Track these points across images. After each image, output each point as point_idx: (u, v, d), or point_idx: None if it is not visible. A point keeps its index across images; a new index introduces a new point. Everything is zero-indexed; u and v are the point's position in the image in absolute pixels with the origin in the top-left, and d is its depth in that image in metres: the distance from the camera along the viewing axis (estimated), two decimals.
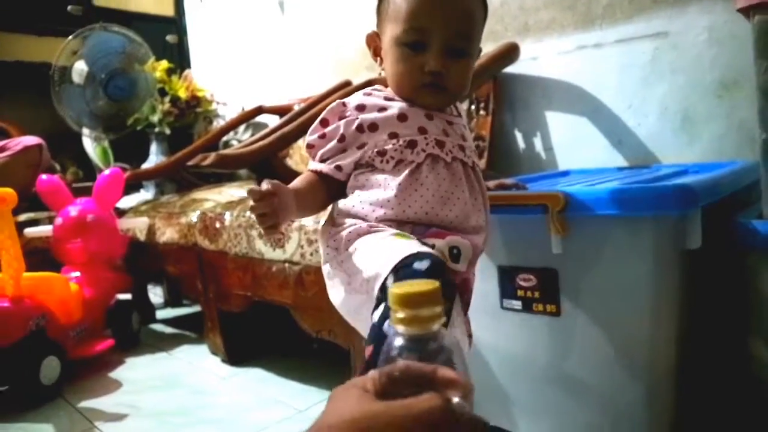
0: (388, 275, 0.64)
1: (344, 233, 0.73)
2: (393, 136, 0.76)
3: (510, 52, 1.53)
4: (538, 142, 1.62)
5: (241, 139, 2.51)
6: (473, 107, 1.63)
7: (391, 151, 0.75)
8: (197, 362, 1.65)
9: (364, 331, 0.73)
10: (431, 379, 0.37)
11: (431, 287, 0.39)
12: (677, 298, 0.86)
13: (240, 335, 1.65)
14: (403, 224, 0.74)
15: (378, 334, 0.61)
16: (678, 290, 0.86)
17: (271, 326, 1.65)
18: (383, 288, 0.64)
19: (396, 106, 0.77)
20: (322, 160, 0.78)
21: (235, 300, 1.54)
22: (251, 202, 0.66)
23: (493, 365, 1.05)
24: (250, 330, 1.66)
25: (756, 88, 0.82)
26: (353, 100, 0.79)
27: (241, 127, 2.51)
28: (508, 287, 0.99)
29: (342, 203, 0.78)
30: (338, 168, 0.77)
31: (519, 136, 1.65)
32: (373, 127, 0.76)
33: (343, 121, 0.77)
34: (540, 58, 1.57)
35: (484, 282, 1.02)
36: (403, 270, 0.63)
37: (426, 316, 0.39)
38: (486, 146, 1.59)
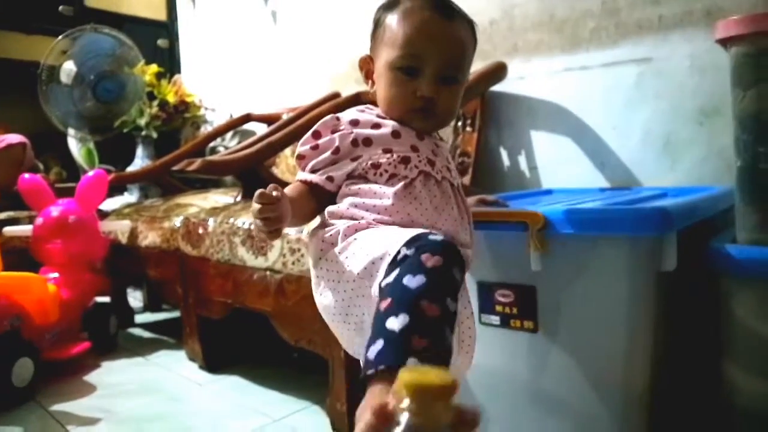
0: (401, 247, 0.64)
1: (342, 227, 0.74)
2: (387, 150, 0.78)
3: (498, 71, 1.55)
4: (522, 161, 1.64)
5: (228, 146, 2.51)
6: (460, 123, 1.66)
7: (385, 165, 0.77)
8: (174, 368, 1.64)
9: (352, 333, 0.75)
10: None
11: (449, 381, 0.35)
12: (652, 318, 0.87)
13: (219, 342, 1.64)
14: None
15: (396, 287, 0.61)
16: (653, 311, 0.87)
17: (251, 334, 1.64)
18: (397, 254, 0.64)
19: (389, 125, 0.80)
20: (313, 171, 0.79)
21: (215, 306, 1.53)
22: (257, 205, 0.66)
23: (471, 379, 1.05)
24: (229, 337, 1.66)
25: (732, 117, 0.84)
26: (347, 116, 0.81)
27: (229, 134, 2.51)
28: (486, 302, 1.00)
29: (334, 207, 0.78)
30: (330, 179, 0.78)
31: (504, 154, 1.68)
32: (368, 141, 0.78)
33: (337, 134, 0.79)
34: (527, 78, 1.60)
35: None
36: (417, 241, 0.64)
37: (437, 412, 0.36)
38: (471, 162, 1.61)
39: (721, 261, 0.81)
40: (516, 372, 0.99)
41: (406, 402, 0.36)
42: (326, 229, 0.77)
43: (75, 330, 1.68)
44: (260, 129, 2.37)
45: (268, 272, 1.31)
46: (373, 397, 0.53)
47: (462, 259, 0.67)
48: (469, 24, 0.82)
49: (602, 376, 0.88)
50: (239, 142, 2.43)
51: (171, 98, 2.46)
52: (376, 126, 0.80)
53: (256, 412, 1.32)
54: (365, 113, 0.82)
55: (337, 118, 0.81)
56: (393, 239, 0.67)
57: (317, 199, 0.79)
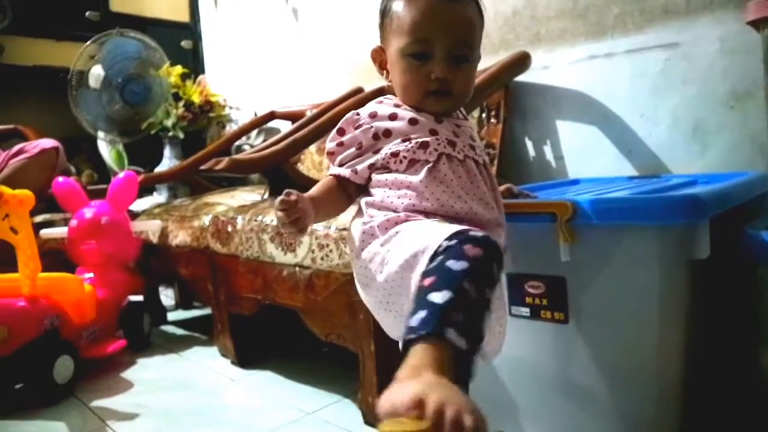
0: (443, 241, 0.66)
1: (380, 219, 0.77)
2: (406, 139, 0.80)
3: (521, 61, 1.54)
4: (548, 151, 1.63)
5: (253, 144, 2.54)
6: (484, 115, 1.65)
7: (403, 152, 0.79)
8: (207, 364, 1.67)
9: (393, 320, 0.78)
10: None
11: (424, 428, 0.38)
12: (684, 307, 0.86)
13: (250, 338, 1.67)
14: (433, 217, 0.76)
15: (441, 269, 0.63)
16: (685, 299, 0.86)
17: (281, 329, 1.66)
18: (438, 246, 0.66)
19: (406, 114, 0.82)
20: (341, 165, 0.83)
21: (246, 303, 1.55)
22: (279, 213, 0.72)
23: (502, 371, 1.05)
24: (260, 333, 1.68)
25: (765, 101, 0.82)
26: (366, 110, 0.84)
27: (254, 132, 2.53)
28: (516, 294, 1.00)
29: (370, 198, 0.81)
30: (354, 171, 0.82)
31: (529, 145, 1.66)
32: (387, 133, 0.81)
33: (359, 130, 0.82)
34: (551, 67, 1.58)
35: None
36: (459, 236, 0.66)
37: None
38: (496, 154, 1.60)
39: (756, 248, 0.79)
40: (546, 363, 0.99)
41: None
42: (365, 220, 0.80)
43: (111, 328, 1.72)
44: (285, 126, 2.38)
45: (297, 268, 1.33)
46: (414, 358, 0.56)
47: (501, 256, 0.68)
48: (475, 2, 0.82)
49: (634, 367, 0.87)
50: (264, 140, 2.45)
51: (196, 98, 2.50)
52: (394, 116, 0.82)
53: (289, 406, 1.34)
54: (383, 104, 0.84)
55: (358, 114, 0.84)
56: (435, 234, 0.69)
57: (347, 191, 0.83)
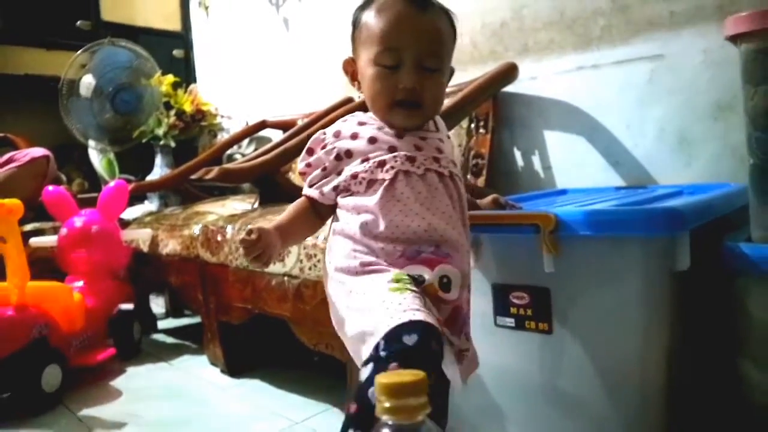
0: (381, 340, 0.66)
1: (338, 262, 0.78)
2: (365, 159, 0.80)
3: (509, 72, 1.56)
4: (536, 161, 1.64)
5: (245, 153, 2.54)
6: (473, 125, 1.66)
7: (362, 173, 0.79)
8: (197, 372, 1.67)
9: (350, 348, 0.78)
10: None
11: (416, 378, 0.40)
12: (667, 318, 0.87)
13: (240, 346, 1.67)
14: (394, 242, 0.76)
15: (363, 397, 0.63)
16: (667, 310, 0.87)
17: (271, 338, 1.66)
18: (376, 347, 0.66)
19: (367, 132, 0.82)
20: (311, 186, 0.84)
21: (235, 312, 1.56)
22: (242, 249, 0.76)
23: (488, 380, 1.06)
24: (250, 341, 1.68)
25: (744, 114, 0.84)
26: (331, 129, 0.85)
27: (245, 141, 2.54)
28: (501, 305, 1.01)
29: (335, 224, 0.83)
30: (321, 193, 0.83)
31: (518, 155, 1.68)
32: (349, 153, 0.81)
33: (323, 151, 0.83)
34: (539, 78, 1.60)
35: (479, 299, 1.04)
36: (391, 344, 0.65)
37: (411, 407, 0.39)
38: (485, 164, 1.61)
39: (735, 260, 0.80)
40: (531, 373, 0.99)
41: (385, 403, 0.40)
42: (328, 257, 0.82)
43: (100, 337, 1.72)
44: (276, 135, 2.39)
45: (285, 278, 1.33)
46: None
47: (434, 355, 0.67)
48: (446, 14, 0.83)
49: (617, 376, 0.89)
50: (256, 149, 2.46)
51: (188, 107, 2.50)
52: (355, 136, 0.82)
53: (278, 415, 1.34)
54: (347, 123, 0.85)
55: (324, 133, 0.84)
56: (378, 320, 0.68)
57: (318, 212, 0.84)
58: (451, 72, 0.86)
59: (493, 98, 1.62)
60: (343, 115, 0.92)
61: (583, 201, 1.16)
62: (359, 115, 0.86)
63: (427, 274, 0.75)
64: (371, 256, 0.77)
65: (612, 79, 1.46)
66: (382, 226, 0.76)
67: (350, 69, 0.87)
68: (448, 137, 0.90)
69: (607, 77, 1.47)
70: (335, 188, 0.82)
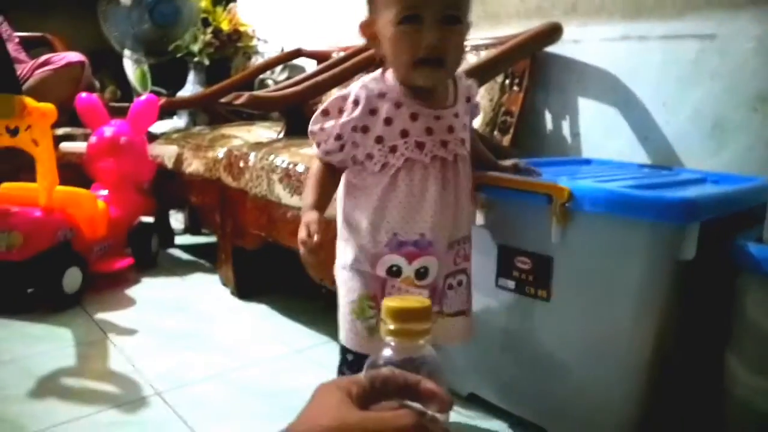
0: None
1: (346, 257, 0.88)
2: (379, 140, 0.82)
3: (552, 32, 1.51)
4: (566, 126, 1.62)
5: (277, 80, 2.53)
6: (507, 81, 1.63)
7: (377, 156, 0.82)
8: (208, 291, 1.74)
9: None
10: (414, 389, 0.39)
11: (421, 305, 0.42)
12: (662, 303, 0.88)
13: (251, 271, 1.72)
14: (381, 231, 0.83)
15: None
16: (665, 296, 0.88)
17: (283, 266, 1.71)
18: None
19: (384, 109, 0.82)
20: (326, 153, 0.85)
21: (250, 238, 1.60)
22: (302, 249, 0.79)
23: (484, 338, 1.09)
24: (262, 267, 1.74)
25: None
26: (352, 94, 0.83)
27: (278, 68, 2.52)
28: (505, 267, 1.03)
29: (345, 204, 0.88)
30: (342, 162, 0.86)
31: (548, 117, 1.65)
32: (365, 129, 0.82)
33: (340, 121, 0.83)
34: (582, 42, 1.55)
35: (484, 257, 1.06)
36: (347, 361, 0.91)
37: (414, 331, 0.41)
38: (513, 122, 1.59)
39: (741, 257, 0.81)
40: (525, 336, 1.03)
41: (390, 325, 0.42)
42: (340, 205, 0.89)
43: (120, 246, 1.79)
44: (310, 65, 2.37)
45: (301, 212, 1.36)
46: None
47: None
48: None
49: (607, 350, 0.91)
50: (288, 77, 2.45)
51: (225, 26, 2.48)
52: (374, 111, 0.82)
53: (279, 341, 1.41)
54: (369, 88, 0.83)
55: (343, 98, 0.83)
56: (343, 326, 0.89)
57: (336, 173, 0.87)
58: (468, 26, 0.84)
59: (532, 57, 1.58)
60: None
61: (604, 175, 1.15)
62: (380, 83, 0.84)
63: (405, 266, 0.83)
64: (357, 247, 0.85)
65: (656, 54, 1.40)
66: (375, 216, 0.83)
67: (368, 31, 0.84)
68: (469, 98, 0.90)
69: (651, 51, 1.41)
70: (353, 160, 0.84)
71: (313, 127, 0.85)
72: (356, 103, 0.82)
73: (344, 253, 0.88)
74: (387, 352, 0.42)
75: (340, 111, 0.83)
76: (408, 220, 0.83)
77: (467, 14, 0.82)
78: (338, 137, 0.83)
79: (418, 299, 0.43)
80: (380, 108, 0.82)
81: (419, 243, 0.83)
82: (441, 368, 0.42)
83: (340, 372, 0.95)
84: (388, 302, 0.42)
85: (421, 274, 0.84)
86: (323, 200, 0.85)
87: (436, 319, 0.87)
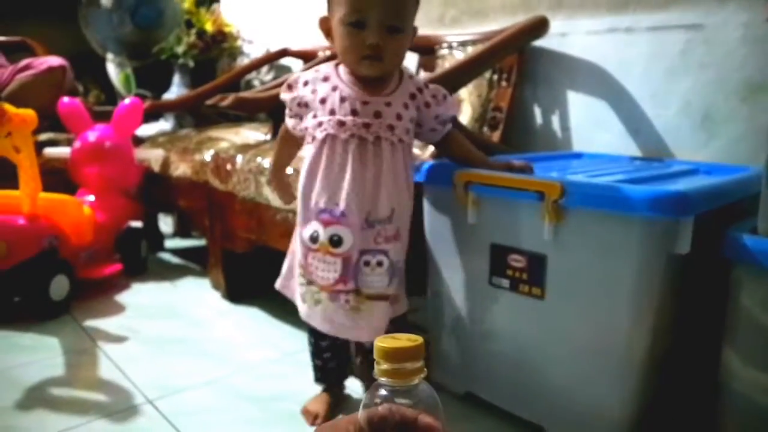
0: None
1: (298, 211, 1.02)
2: (314, 116, 0.96)
3: (539, 27, 1.50)
4: (555, 120, 1.61)
5: (263, 80, 2.51)
6: (495, 77, 1.62)
7: (310, 129, 0.97)
8: (198, 295, 1.72)
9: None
10: (413, 426, 0.39)
11: (414, 344, 0.41)
12: (658, 297, 0.88)
13: (241, 274, 1.71)
14: (310, 198, 0.97)
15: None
16: (660, 290, 0.88)
17: (273, 269, 1.69)
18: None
19: (323, 90, 0.95)
20: (289, 117, 1.02)
21: (239, 241, 1.58)
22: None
23: (476, 336, 1.09)
24: (252, 270, 1.72)
25: None
26: (303, 76, 0.99)
27: (264, 68, 2.50)
28: (498, 265, 1.02)
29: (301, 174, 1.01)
30: (293, 128, 1.02)
31: (537, 112, 1.64)
32: (306, 105, 0.97)
33: (291, 95, 0.99)
34: (569, 36, 1.54)
35: (476, 256, 1.05)
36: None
37: (407, 370, 0.41)
38: (503, 118, 1.58)
39: (735, 249, 0.80)
40: (520, 334, 1.02)
41: (383, 366, 0.41)
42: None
43: (108, 252, 1.77)
44: (296, 65, 2.35)
45: (290, 214, 1.35)
46: None
47: None
48: None
49: (603, 348, 0.90)
50: (275, 77, 2.43)
51: (209, 27, 2.46)
52: (314, 91, 0.96)
53: (271, 344, 1.39)
54: (318, 73, 0.98)
55: (299, 78, 0.99)
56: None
57: (295, 138, 1.04)
58: (414, 31, 0.96)
59: (520, 52, 1.57)
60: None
61: (595, 169, 1.14)
62: (328, 69, 0.98)
63: (321, 232, 0.95)
64: (301, 210, 1.00)
65: (643, 45, 1.40)
66: (306, 182, 0.97)
67: (325, 26, 0.97)
68: (414, 94, 0.98)
69: (638, 42, 1.41)
70: (300, 130, 1.00)
71: (281, 95, 1.02)
72: (305, 84, 0.98)
73: (298, 214, 1.02)
74: (382, 392, 0.41)
75: (294, 89, 0.99)
76: (327, 189, 0.94)
77: (410, 23, 0.94)
78: (290, 108, 1.00)
79: (410, 338, 0.42)
80: (319, 89, 0.96)
81: (333, 212, 0.94)
82: (439, 405, 0.42)
83: (309, 343, 1.13)
84: (380, 343, 0.41)
85: (335, 242, 0.94)
86: (279, 162, 1.11)
87: (357, 303, 0.97)
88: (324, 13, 0.98)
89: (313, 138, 0.95)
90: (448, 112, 1.03)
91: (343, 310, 0.97)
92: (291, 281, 1.07)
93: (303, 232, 0.98)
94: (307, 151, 0.98)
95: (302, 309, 1.03)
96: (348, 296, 0.97)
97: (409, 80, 0.99)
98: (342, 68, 0.97)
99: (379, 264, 0.97)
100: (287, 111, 1.01)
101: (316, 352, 1.11)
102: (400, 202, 0.98)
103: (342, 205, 0.93)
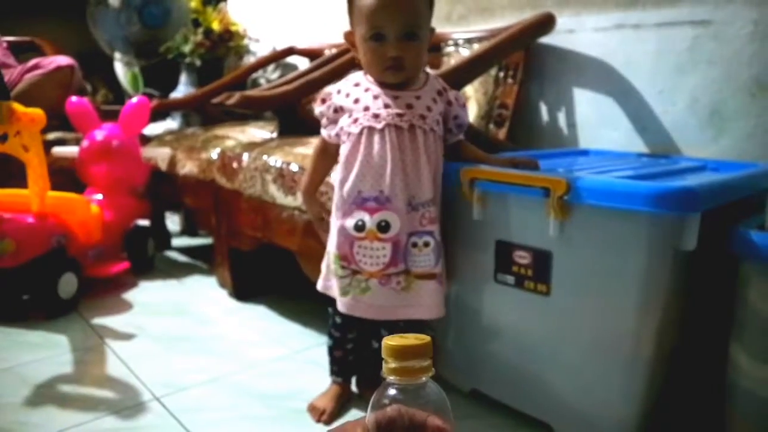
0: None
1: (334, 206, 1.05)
2: (350, 115, 1.01)
3: (545, 23, 1.49)
4: (562, 117, 1.60)
5: (270, 78, 2.51)
6: (501, 74, 1.61)
7: (346, 127, 1.01)
8: (205, 293, 1.73)
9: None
10: (422, 428, 0.39)
11: (422, 342, 0.41)
12: (665, 294, 0.87)
13: (248, 272, 1.71)
14: (351, 190, 0.99)
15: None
16: (667, 287, 0.87)
17: (280, 267, 1.70)
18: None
19: (356, 92, 1.01)
20: (324, 128, 1.07)
21: (246, 239, 1.59)
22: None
23: (484, 334, 1.08)
24: (259, 268, 1.72)
25: None
26: (336, 85, 1.05)
27: (271, 66, 2.51)
28: (503, 262, 1.02)
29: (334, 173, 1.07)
30: (329, 136, 1.06)
31: (544, 109, 1.64)
32: (341, 109, 1.03)
33: (325, 104, 1.05)
34: (576, 32, 1.53)
35: (481, 253, 1.05)
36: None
37: (415, 368, 0.41)
38: (509, 115, 1.57)
39: (743, 246, 0.79)
40: (526, 331, 1.02)
41: (391, 364, 0.41)
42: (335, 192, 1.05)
43: (116, 250, 1.78)
44: (303, 63, 2.36)
45: (296, 212, 1.35)
46: None
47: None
48: None
49: (610, 345, 0.90)
50: (281, 75, 2.43)
51: (216, 26, 2.47)
52: (348, 95, 1.02)
53: (278, 342, 1.40)
54: (348, 81, 1.04)
55: (329, 91, 1.06)
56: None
57: (332, 149, 1.07)
58: (432, 32, 1.01)
59: (526, 48, 1.56)
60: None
61: (602, 166, 1.14)
62: (357, 76, 1.05)
63: (368, 220, 0.98)
64: (335, 203, 1.03)
65: (651, 42, 1.39)
66: (343, 175, 1.00)
67: (350, 39, 1.03)
68: (441, 92, 1.04)
69: (646, 39, 1.40)
70: (337, 135, 1.04)
71: (315, 111, 1.08)
72: (338, 92, 1.05)
73: (332, 212, 1.05)
74: (390, 392, 0.41)
75: (329, 99, 1.05)
76: (368, 178, 0.98)
77: (426, 28, 0.99)
78: (327, 117, 1.05)
79: (417, 336, 0.42)
80: (352, 93, 1.02)
81: (379, 199, 0.97)
82: (447, 404, 0.42)
83: (329, 335, 1.13)
84: (388, 341, 0.41)
85: (383, 227, 0.97)
86: (314, 179, 1.13)
87: (408, 282, 1.00)
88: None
89: (348, 135, 1.00)
90: (465, 117, 1.08)
91: (394, 292, 1.00)
92: (330, 281, 1.07)
93: (345, 222, 1.00)
94: (343, 150, 1.01)
95: (344, 302, 1.03)
96: (399, 277, 1.00)
97: (434, 79, 1.06)
98: (369, 76, 1.03)
99: (426, 245, 1.00)
100: (323, 123, 1.06)
101: (339, 345, 1.12)
102: (438, 186, 1.03)
103: (387, 191, 0.97)
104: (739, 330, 0.83)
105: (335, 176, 1.04)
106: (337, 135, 1.04)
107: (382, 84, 1.01)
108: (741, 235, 0.79)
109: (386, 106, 0.99)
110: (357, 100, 1.01)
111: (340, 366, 1.13)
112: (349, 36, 1.03)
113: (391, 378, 0.41)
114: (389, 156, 0.97)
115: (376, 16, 0.94)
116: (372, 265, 0.99)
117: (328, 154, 1.08)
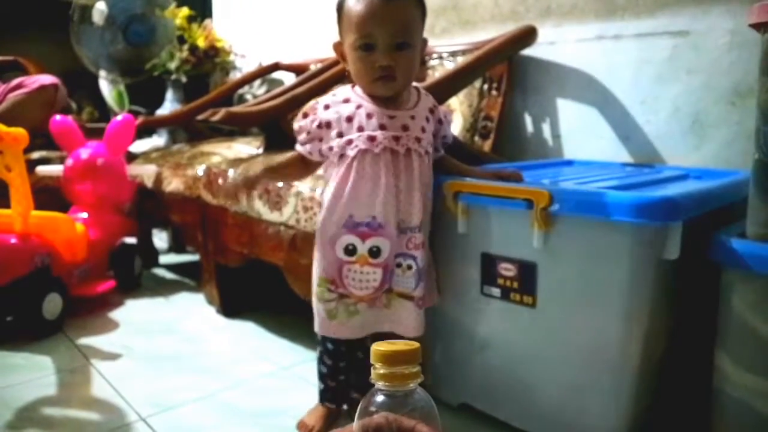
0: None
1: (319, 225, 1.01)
2: (340, 135, 0.96)
3: (527, 35, 1.51)
4: (546, 129, 1.61)
5: (256, 94, 2.52)
6: (485, 86, 1.62)
7: (336, 148, 0.96)
8: (193, 311, 1.71)
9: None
10: None
11: (411, 348, 0.42)
12: (650, 303, 0.87)
13: (236, 289, 1.70)
14: (342, 213, 0.96)
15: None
16: (652, 296, 0.87)
17: (267, 283, 1.69)
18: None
19: (347, 109, 0.97)
20: (302, 144, 1.01)
21: (232, 255, 1.58)
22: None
23: (471, 347, 1.08)
24: (246, 285, 1.71)
25: (756, 106, 0.81)
26: (323, 100, 0.99)
27: (257, 82, 2.51)
28: (488, 274, 1.02)
29: (322, 192, 1.02)
30: (309, 152, 1.01)
31: (528, 120, 1.65)
32: (329, 125, 0.97)
33: (310, 119, 0.99)
34: (558, 44, 1.55)
35: (467, 265, 1.05)
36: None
37: (404, 374, 0.41)
38: (493, 127, 1.59)
39: (724, 253, 0.80)
40: (513, 343, 1.01)
41: (380, 370, 0.41)
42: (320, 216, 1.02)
43: (102, 269, 1.76)
44: (289, 78, 2.36)
45: (282, 227, 1.34)
46: None
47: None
48: None
49: (597, 355, 0.90)
50: (267, 91, 2.43)
51: (201, 43, 2.46)
52: (337, 113, 0.97)
53: (267, 358, 1.38)
54: (336, 96, 0.99)
55: (317, 102, 1.00)
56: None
57: (308, 164, 1.04)
58: (424, 42, 0.98)
59: (509, 60, 1.58)
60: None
61: (586, 177, 1.15)
62: (346, 91, 1.00)
63: (359, 245, 0.95)
64: (322, 227, 0.99)
65: (632, 52, 1.41)
66: (333, 198, 0.96)
67: (339, 50, 0.99)
68: (432, 109, 1.03)
69: (627, 49, 1.42)
70: (320, 152, 0.99)
71: (295, 125, 1.02)
72: (326, 108, 0.99)
73: (317, 234, 1.01)
74: (378, 398, 0.41)
75: (313, 114, 0.99)
76: (361, 203, 0.95)
77: (418, 38, 0.95)
78: (309, 132, 0.99)
79: (406, 343, 0.43)
80: (343, 110, 0.97)
81: (371, 224, 0.95)
82: (435, 412, 0.42)
83: (321, 361, 1.08)
84: (377, 347, 0.42)
85: (374, 252, 0.96)
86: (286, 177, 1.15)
87: (389, 300, 1.00)
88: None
89: (341, 156, 0.96)
90: (451, 136, 1.08)
91: (378, 309, 1.01)
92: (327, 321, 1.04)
93: (335, 246, 0.97)
94: (332, 171, 0.98)
95: (329, 325, 1.01)
96: (382, 296, 1.00)
97: (426, 96, 1.04)
98: (358, 89, 0.99)
99: (409, 267, 0.99)
100: (301, 138, 1.00)
101: (332, 373, 1.07)
102: (427, 212, 1.01)
103: (379, 217, 0.95)
104: (723, 337, 0.83)
105: (325, 200, 0.99)
106: (320, 153, 0.99)
107: (374, 99, 0.97)
108: (722, 243, 0.80)
109: (382, 127, 0.95)
110: (350, 117, 0.96)
111: (333, 393, 1.09)
112: (338, 47, 0.99)
113: (379, 384, 0.41)
114: (383, 181, 0.94)
115: (366, 25, 0.90)
116: (362, 290, 0.98)
117: (304, 167, 1.05)
